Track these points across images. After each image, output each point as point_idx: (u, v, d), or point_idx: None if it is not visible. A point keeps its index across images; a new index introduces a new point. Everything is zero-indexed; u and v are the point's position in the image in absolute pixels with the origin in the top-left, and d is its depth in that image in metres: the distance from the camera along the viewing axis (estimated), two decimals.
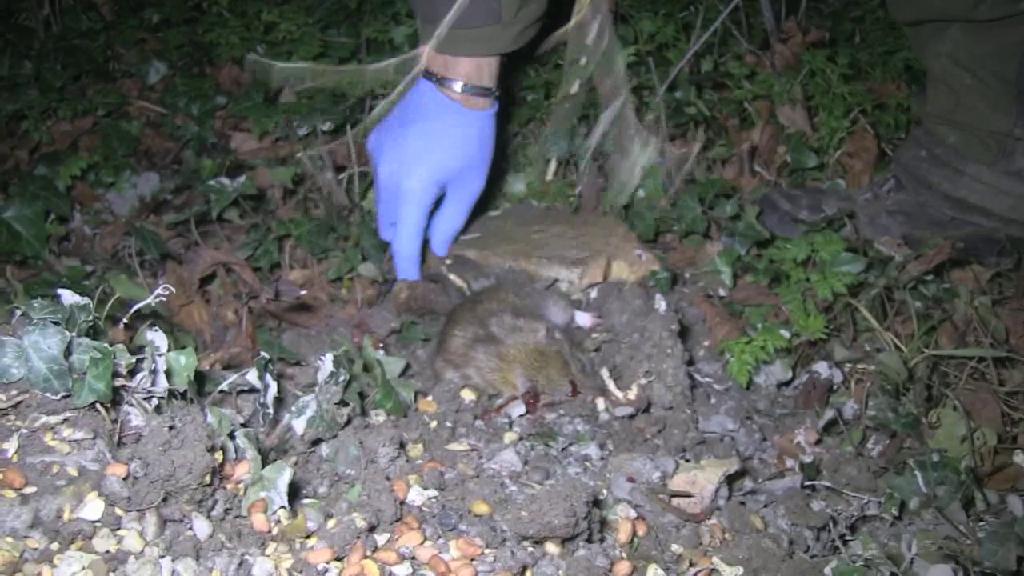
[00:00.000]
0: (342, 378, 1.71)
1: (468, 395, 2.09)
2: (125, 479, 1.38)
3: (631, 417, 2.04)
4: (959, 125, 2.53)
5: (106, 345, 1.46)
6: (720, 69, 3.00)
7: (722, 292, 2.44)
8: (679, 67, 2.82)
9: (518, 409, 2.04)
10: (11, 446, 1.41)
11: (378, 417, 1.90)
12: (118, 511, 1.36)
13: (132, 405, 1.53)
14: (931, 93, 2.60)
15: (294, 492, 1.52)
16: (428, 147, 2.35)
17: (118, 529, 1.34)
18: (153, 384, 1.56)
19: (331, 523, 1.50)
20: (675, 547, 1.66)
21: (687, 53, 2.86)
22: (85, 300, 1.52)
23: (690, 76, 2.90)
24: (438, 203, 2.47)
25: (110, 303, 1.70)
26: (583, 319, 2.31)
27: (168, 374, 1.58)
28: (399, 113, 2.44)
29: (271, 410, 1.71)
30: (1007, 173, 2.49)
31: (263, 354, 1.73)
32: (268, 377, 1.71)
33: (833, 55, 2.95)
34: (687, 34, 2.97)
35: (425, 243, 2.51)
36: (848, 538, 1.85)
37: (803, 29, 3.04)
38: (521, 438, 1.94)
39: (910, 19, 2.59)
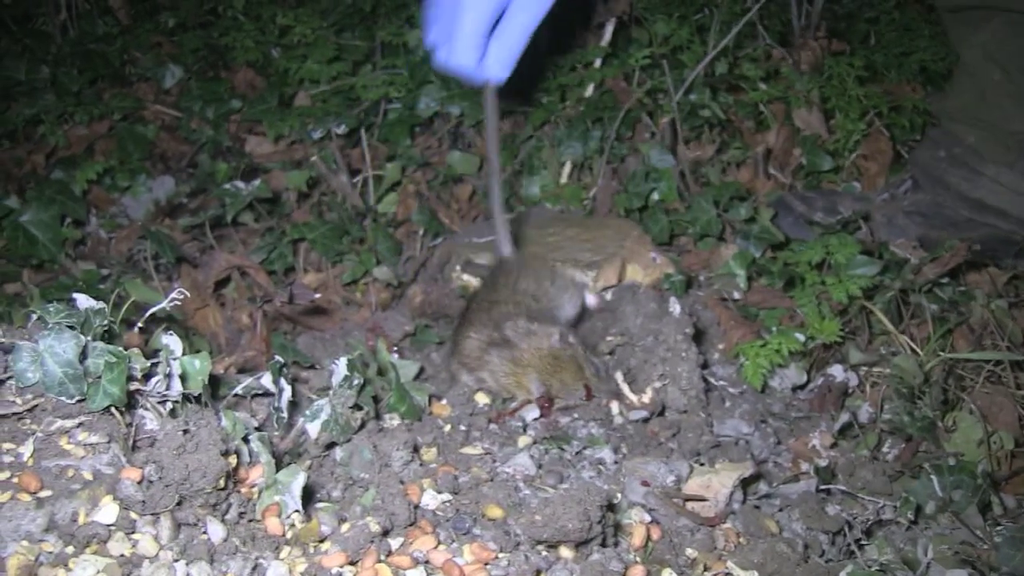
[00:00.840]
0: (356, 382, 1.71)
1: (482, 399, 2.10)
2: (139, 483, 1.38)
3: (645, 421, 2.04)
4: (980, 124, 2.52)
5: (121, 349, 1.47)
6: (735, 71, 2.99)
7: (736, 295, 2.43)
8: (696, 71, 2.82)
9: (532, 413, 2.04)
10: (27, 450, 1.41)
11: (392, 421, 1.90)
12: (133, 515, 1.36)
13: (147, 409, 1.54)
14: (956, 87, 2.60)
15: (308, 496, 1.52)
16: None
17: (133, 533, 1.34)
18: (168, 388, 1.56)
19: (345, 527, 1.50)
20: (689, 551, 1.66)
21: (706, 56, 2.85)
22: (100, 304, 1.52)
23: (705, 78, 2.90)
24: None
25: (125, 307, 1.71)
26: (590, 300, 2.32)
27: (183, 378, 1.59)
28: None
29: (285, 414, 1.71)
30: None
31: (277, 358, 1.73)
32: (282, 381, 1.71)
33: (849, 56, 2.94)
34: (701, 36, 2.97)
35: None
36: (863, 542, 1.84)
37: (827, 35, 3.05)
38: (535, 442, 1.94)
39: (954, 4, 2.57)
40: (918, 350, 2.25)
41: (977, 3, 2.49)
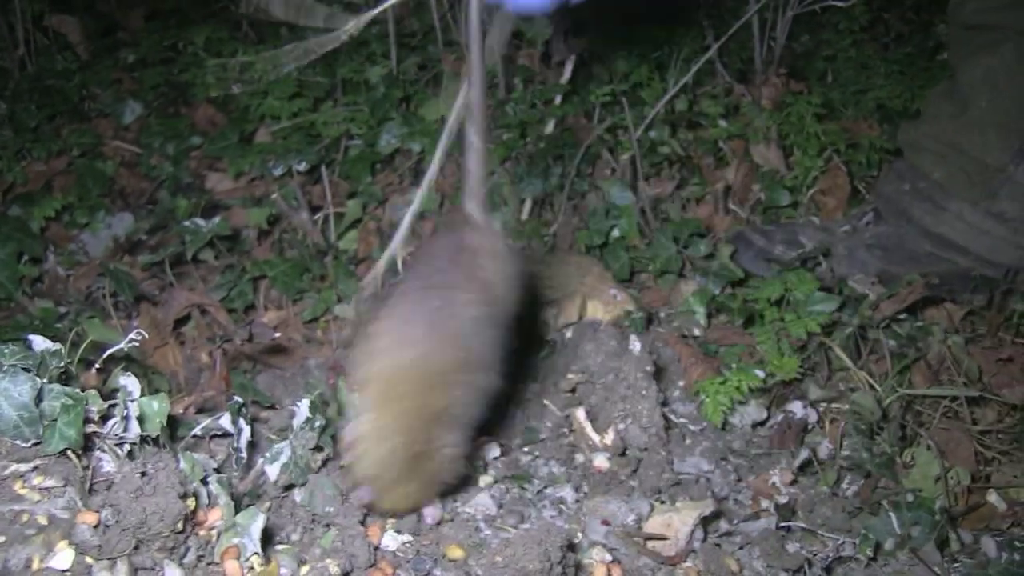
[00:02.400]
0: (318, 424, 1.71)
1: None
2: (96, 527, 1.37)
3: (608, 459, 2.04)
4: (951, 154, 2.53)
5: (78, 391, 1.46)
6: (695, 108, 3.01)
7: (696, 332, 2.44)
8: (657, 109, 2.84)
9: (493, 452, 2.04)
10: None
11: None
12: (89, 560, 1.35)
13: (104, 451, 1.53)
14: (931, 114, 2.61)
15: (267, 538, 1.51)
16: None
17: None
18: (125, 430, 1.55)
19: (304, 569, 1.49)
20: None
21: (666, 93, 2.88)
22: (57, 346, 1.52)
23: (665, 115, 2.92)
24: None
25: (83, 347, 1.70)
26: None
27: (141, 420, 1.57)
28: None
29: (244, 455, 1.70)
30: (989, 213, 2.50)
31: (236, 398, 1.73)
32: (241, 421, 1.70)
33: (807, 95, 2.97)
34: (661, 74, 2.99)
35: None
36: None
37: (786, 73, 3.08)
38: (496, 481, 1.93)
39: (971, 22, 2.58)
40: (876, 386, 2.26)
41: (996, 23, 2.50)
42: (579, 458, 2.06)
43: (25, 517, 1.39)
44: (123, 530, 1.36)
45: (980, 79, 2.52)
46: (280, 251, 2.76)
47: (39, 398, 1.43)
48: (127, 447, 1.56)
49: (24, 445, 1.43)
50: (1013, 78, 2.47)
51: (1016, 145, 2.46)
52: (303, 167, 2.82)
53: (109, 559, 1.35)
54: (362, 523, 1.61)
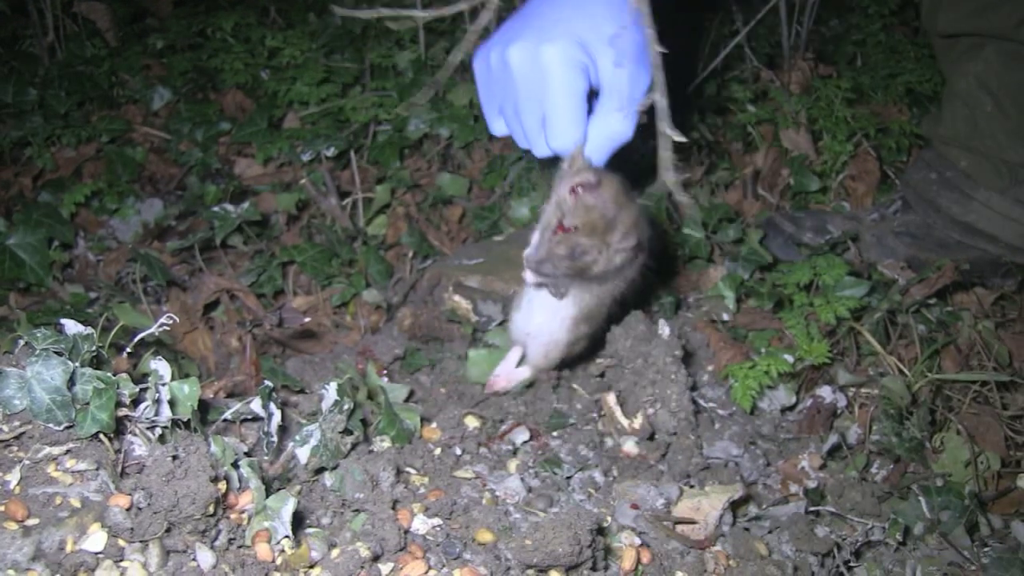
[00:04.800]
0: (346, 407, 1.71)
1: (472, 422, 2.09)
2: (128, 510, 1.38)
3: (636, 443, 2.04)
4: (973, 150, 2.53)
5: (109, 375, 1.46)
6: (723, 93, 3.00)
7: (726, 317, 2.44)
8: (686, 93, 2.83)
9: (522, 436, 2.04)
10: (14, 477, 1.41)
11: (382, 444, 1.90)
12: (121, 542, 1.35)
13: (135, 435, 1.53)
14: (947, 115, 2.61)
15: (298, 522, 1.52)
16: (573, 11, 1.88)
17: (121, 561, 1.33)
18: (157, 414, 1.56)
19: (335, 553, 1.49)
20: (679, 575, 1.66)
21: (695, 78, 2.87)
22: (88, 330, 1.52)
23: (694, 100, 2.91)
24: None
25: (114, 331, 1.71)
26: None
27: (172, 403, 1.58)
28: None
29: (275, 439, 1.71)
30: (1017, 201, 2.49)
31: (267, 382, 1.73)
32: (272, 406, 1.71)
33: (836, 79, 2.96)
34: (689, 59, 2.98)
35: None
36: (853, 564, 1.84)
37: (814, 58, 3.06)
38: (526, 465, 1.94)
39: (947, 31, 2.59)
40: (906, 371, 2.25)
41: (972, 31, 2.50)
42: (608, 442, 2.07)
43: (58, 500, 1.40)
44: (155, 513, 1.37)
45: (976, 86, 2.52)
46: (309, 236, 2.76)
47: (71, 382, 1.44)
48: (158, 431, 1.56)
49: (57, 428, 1.44)
50: (1003, 79, 2.47)
51: None
52: (332, 152, 2.82)
53: (141, 542, 1.36)
54: (392, 507, 1.61)
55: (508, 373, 2.25)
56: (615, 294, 2.06)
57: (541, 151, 1.96)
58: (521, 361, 2.25)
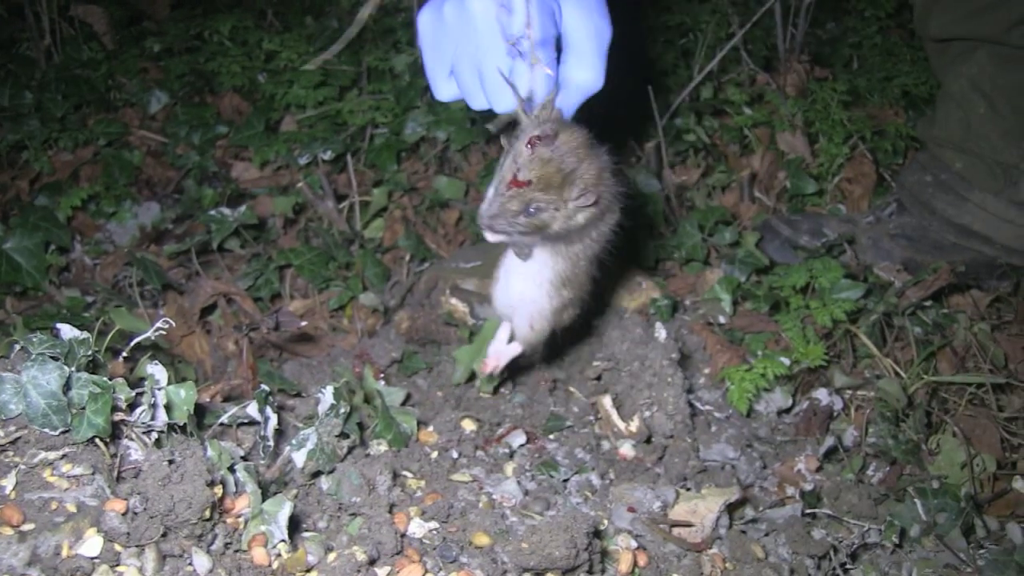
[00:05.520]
0: (343, 411, 1.71)
1: (469, 425, 2.09)
2: (124, 515, 1.38)
3: (633, 446, 2.04)
4: (967, 152, 2.54)
5: (105, 379, 1.46)
6: (720, 96, 3.01)
7: (722, 319, 2.44)
8: (682, 96, 2.83)
9: (519, 439, 2.04)
10: (9, 482, 1.41)
11: (379, 447, 1.90)
12: (117, 547, 1.35)
13: (131, 439, 1.53)
14: (941, 117, 2.61)
15: (294, 526, 1.52)
16: None
17: (117, 565, 1.34)
18: (153, 418, 1.56)
19: (331, 557, 1.50)
20: None
21: (691, 81, 2.87)
22: (84, 334, 1.52)
23: (690, 103, 2.91)
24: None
25: (110, 335, 1.71)
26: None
27: (168, 408, 1.58)
28: None
29: (271, 443, 1.71)
30: (1012, 202, 2.50)
31: (263, 386, 1.73)
32: (268, 410, 1.71)
33: (832, 81, 2.96)
34: (686, 61, 2.99)
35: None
36: (849, 567, 1.85)
37: (810, 60, 3.07)
38: (522, 468, 1.94)
39: (939, 35, 2.60)
40: (902, 373, 2.26)
41: (964, 35, 2.51)
42: (605, 445, 2.07)
43: (54, 505, 1.40)
44: (151, 518, 1.37)
45: (969, 88, 2.53)
46: (306, 240, 2.76)
47: (67, 387, 1.44)
48: (154, 435, 1.56)
49: (52, 433, 1.44)
50: (996, 81, 2.48)
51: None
52: (329, 156, 2.82)
53: (137, 546, 1.36)
54: (389, 511, 1.61)
55: (499, 351, 2.16)
56: (588, 255, 1.94)
57: (505, 104, 1.77)
58: (511, 339, 2.16)
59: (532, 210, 1.73)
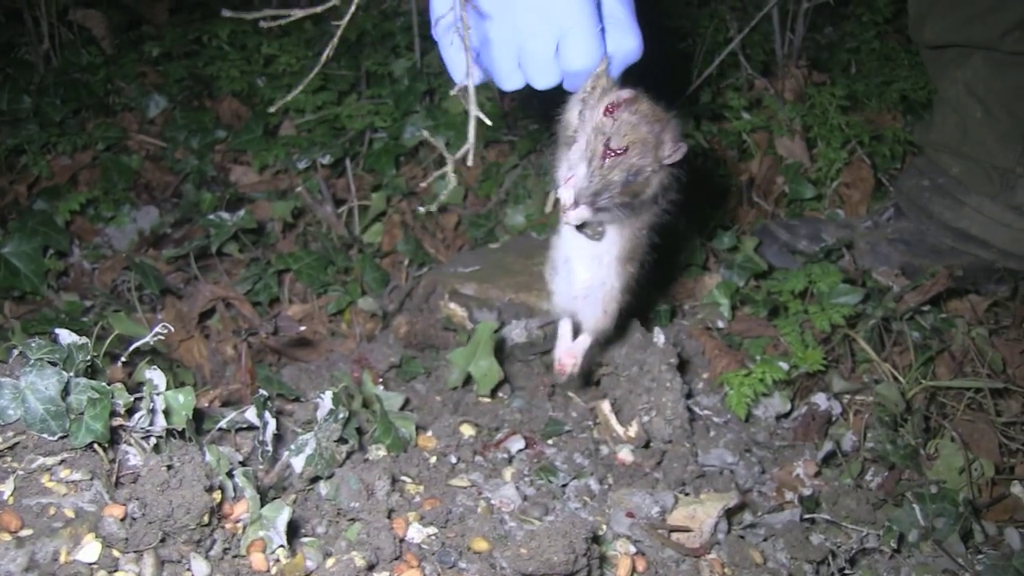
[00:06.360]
0: (341, 416, 1.71)
1: (468, 430, 2.09)
2: (123, 520, 1.37)
3: (632, 451, 2.04)
4: (964, 156, 2.54)
5: (104, 384, 1.46)
6: (718, 101, 3.01)
7: (721, 324, 2.44)
8: (681, 101, 2.83)
9: (517, 444, 2.04)
10: (7, 488, 1.41)
11: (378, 452, 1.90)
12: (115, 552, 1.35)
13: (130, 445, 1.53)
14: (938, 121, 2.62)
15: (293, 531, 1.52)
16: None
17: (115, 571, 1.33)
18: (151, 423, 1.56)
19: (330, 562, 1.49)
20: None
21: (690, 85, 2.87)
22: (83, 339, 1.52)
23: (688, 108, 2.91)
24: None
25: (108, 340, 1.71)
26: None
27: (166, 413, 1.58)
28: None
29: (270, 448, 1.71)
30: (1009, 206, 2.50)
31: (262, 392, 1.73)
32: (267, 414, 1.71)
33: (830, 86, 2.97)
34: (685, 66, 2.99)
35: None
36: (847, 572, 1.85)
37: (808, 65, 3.07)
38: (521, 473, 1.94)
39: (933, 42, 2.60)
40: (900, 378, 2.26)
41: (958, 41, 2.51)
42: (604, 450, 2.07)
43: (52, 510, 1.40)
44: (149, 523, 1.37)
45: (965, 93, 2.54)
46: (305, 244, 2.77)
47: (66, 392, 1.44)
48: (153, 440, 1.56)
49: (51, 439, 1.44)
50: (991, 86, 2.49)
51: (1020, 148, 2.47)
52: (327, 160, 2.83)
53: (135, 552, 1.36)
54: (388, 516, 1.61)
55: (569, 349, 2.08)
56: (647, 226, 1.91)
57: (549, 80, 1.74)
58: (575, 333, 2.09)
59: (632, 175, 1.69)
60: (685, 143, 1.72)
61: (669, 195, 1.82)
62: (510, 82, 1.77)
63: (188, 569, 1.38)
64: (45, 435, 1.44)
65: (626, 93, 1.68)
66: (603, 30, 1.73)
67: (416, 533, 1.63)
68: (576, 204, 1.74)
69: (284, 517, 1.48)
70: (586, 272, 1.97)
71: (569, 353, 2.07)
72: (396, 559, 1.53)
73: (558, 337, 2.10)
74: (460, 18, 1.56)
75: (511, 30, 1.71)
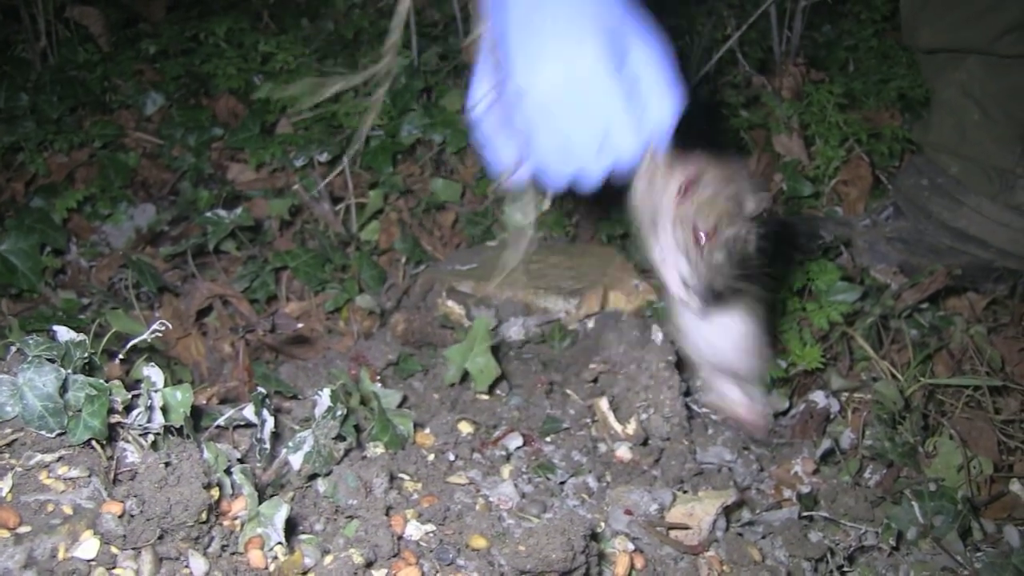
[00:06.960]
0: (339, 413, 1.71)
1: (466, 427, 2.09)
2: (121, 517, 1.37)
3: (630, 449, 2.04)
4: (962, 157, 2.54)
5: (102, 381, 1.46)
6: (716, 98, 3.01)
7: None
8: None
9: (515, 442, 2.04)
10: (5, 485, 1.40)
11: (376, 449, 1.90)
12: (113, 550, 1.35)
13: (128, 442, 1.53)
14: (936, 122, 2.62)
15: (291, 528, 1.52)
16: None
17: (113, 568, 1.33)
18: (149, 420, 1.55)
19: (328, 559, 1.49)
20: None
21: (687, 83, 2.87)
22: (81, 337, 1.52)
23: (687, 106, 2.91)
24: None
25: (106, 338, 1.71)
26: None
27: (164, 410, 1.58)
28: None
29: (268, 445, 1.70)
30: (1008, 206, 2.50)
31: (260, 389, 1.73)
32: (265, 412, 1.71)
33: (828, 84, 2.96)
34: (682, 63, 2.98)
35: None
36: (846, 569, 1.85)
37: (806, 63, 3.07)
38: (519, 471, 1.94)
39: (927, 46, 2.60)
40: (899, 375, 2.26)
41: (953, 45, 2.51)
42: (602, 448, 2.06)
43: (50, 507, 1.39)
44: (147, 520, 1.37)
45: (960, 95, 2.53)
46: (302, 242, 2.76)
47: (64, 389, 1.43)
48: (151, 437, 1.56)
49: (49, 436, 1.44)
50: (986, 87, 2.49)
51: (1018, 149, 2.47)
52: (324, 158, 2.82)
53: (134, 549, 1.36)
54: (386, 513, 1.61)
55: (754, 411, 2.07)
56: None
57: (600, 170, 1.63)
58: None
59: (733, 247, 1.62)
60: (765, 189, 1.66)
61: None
62: (558, 181, 1.68)
63: (186, 566, 1.38)
64: (43, 432, 1.44)
65: (690, 170, 1.61)
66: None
67: (414, 530, 1.62)
68: (695, 299, 1.66)
69: (282, 514, 1.48)
70: (721, 340, 1.96)
71: (758, 414, 2.08)
72: (394, 556, 1.53)
73: (735, 401, 2.08)
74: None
75: (553, 134, 1.61)
